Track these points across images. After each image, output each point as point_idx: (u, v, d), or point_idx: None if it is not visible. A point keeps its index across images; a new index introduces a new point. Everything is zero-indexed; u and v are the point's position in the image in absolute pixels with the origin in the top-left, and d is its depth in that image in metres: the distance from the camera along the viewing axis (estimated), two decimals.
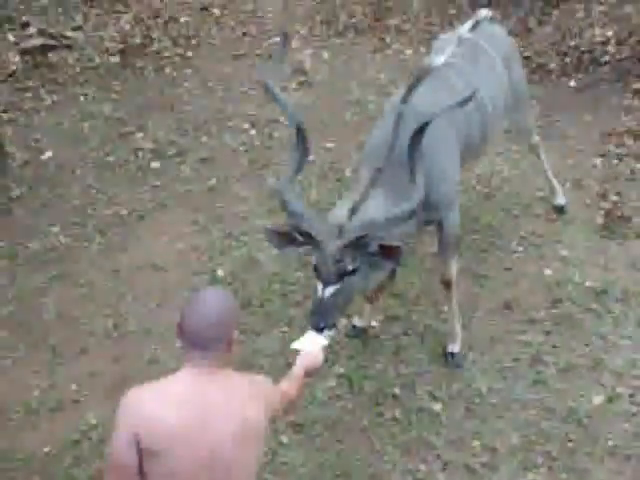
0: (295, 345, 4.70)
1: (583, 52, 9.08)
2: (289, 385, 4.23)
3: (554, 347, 6.25)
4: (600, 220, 7.28)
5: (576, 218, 7.34)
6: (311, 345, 4.68)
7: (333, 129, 8.64)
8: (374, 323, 6.49)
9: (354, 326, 6.43)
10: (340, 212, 5.23)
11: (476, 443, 5.67)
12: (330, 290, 5.06)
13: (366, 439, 5.75)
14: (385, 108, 6.01)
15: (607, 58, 9.04)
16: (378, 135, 5.65)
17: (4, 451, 5.84)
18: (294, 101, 8.86)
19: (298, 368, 4.38)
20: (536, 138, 7.36)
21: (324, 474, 5.55)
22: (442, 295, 6.26)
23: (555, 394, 5.93)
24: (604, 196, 7.53)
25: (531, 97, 8.66)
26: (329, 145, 8.37)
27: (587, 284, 6.69)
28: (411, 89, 5.61)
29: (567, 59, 9.12)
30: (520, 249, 7.08)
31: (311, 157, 5.53)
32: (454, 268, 6.06)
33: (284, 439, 5.74)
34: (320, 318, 5.03)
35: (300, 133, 5.22)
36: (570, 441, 5.63)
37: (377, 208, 5.19)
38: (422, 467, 5.56)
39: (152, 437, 3.47)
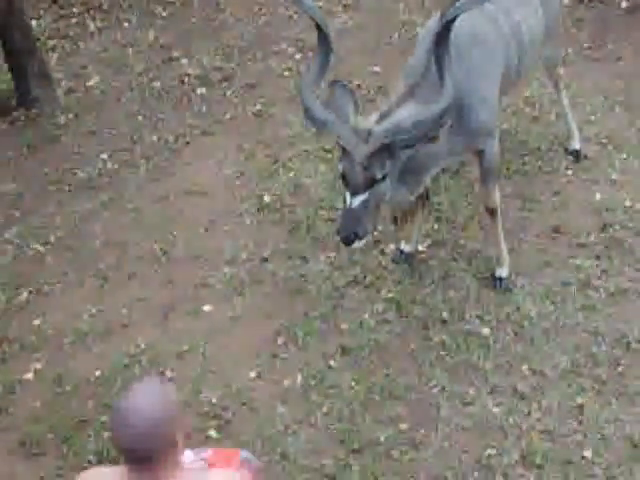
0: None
1: None
2: None
3: (604, 271, 6.18)
4: None
5: (627, 141, 7.20)
6: None
7: (380, 52, 8.52)
8: (422, 248, 6.47)
9: (401, 251, 6.39)
10: (372, 117, 5.15)
11: (524, 367, 5.65)
12: (359, 199, 4.95)
13: (414, 363, 5.76)
14: (426, 27, 5.90)
15: None
16: (419, 52, 5.57)
17: (57, 376, 5.93)
18: (339, 26, 8.82)
19: None
20: (560, 70, 6.99)
21: (372, 397, 5.57)
22: (488, 221, 6.21)
23: (604, 318, 5.88)
24: None
25: (581, 19, 8.55)
26: (376, 69, 8.27)
27: (637, 207, 6.59)
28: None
29: None
30: (569, 173, 6.97)
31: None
32: (497, 195, 5.97)
33: (332, 362, 5.77)
34: (350, 229, 4.95)
35: (322, 34, 5.07)
36: (619, 365, 5.60)
37: (407, 114, 5.03)
38: (470, 391, 5.56)
39: None
